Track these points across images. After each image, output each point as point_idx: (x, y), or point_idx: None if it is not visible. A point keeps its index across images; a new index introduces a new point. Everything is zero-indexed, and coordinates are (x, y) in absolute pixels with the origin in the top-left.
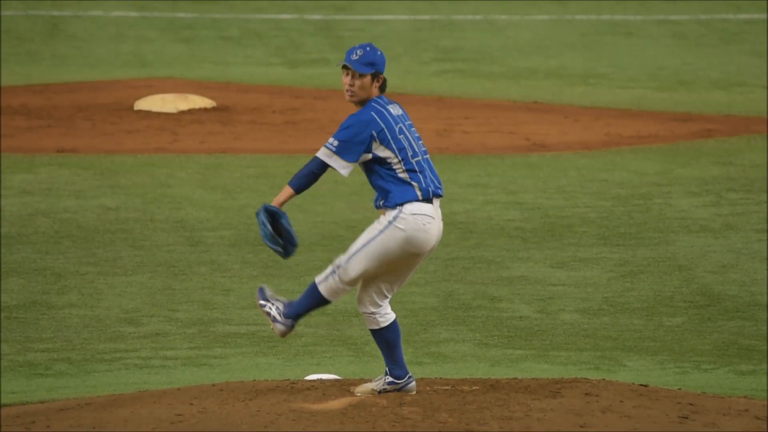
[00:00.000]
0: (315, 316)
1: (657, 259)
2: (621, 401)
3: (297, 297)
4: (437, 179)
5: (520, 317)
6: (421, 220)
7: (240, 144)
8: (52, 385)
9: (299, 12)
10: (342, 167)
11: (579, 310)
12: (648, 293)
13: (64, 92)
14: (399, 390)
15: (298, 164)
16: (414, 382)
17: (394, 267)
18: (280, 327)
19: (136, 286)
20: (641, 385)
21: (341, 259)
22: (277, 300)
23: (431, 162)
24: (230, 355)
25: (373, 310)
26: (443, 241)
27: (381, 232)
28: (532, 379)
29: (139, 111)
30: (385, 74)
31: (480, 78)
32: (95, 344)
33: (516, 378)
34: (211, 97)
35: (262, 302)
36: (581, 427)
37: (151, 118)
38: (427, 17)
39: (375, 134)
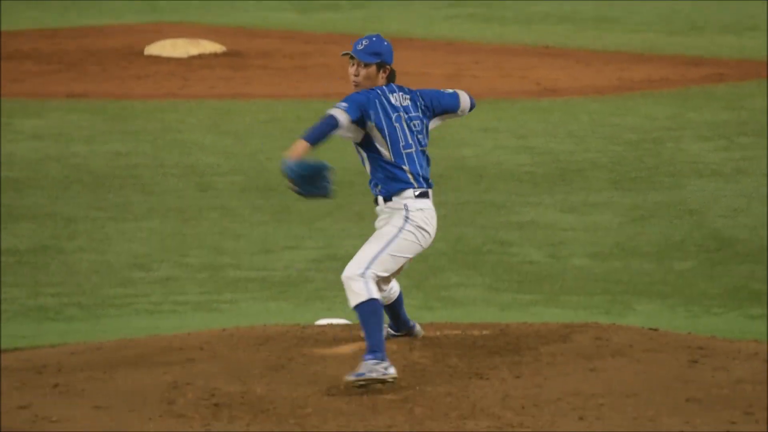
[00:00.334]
0: (325, 262)
1: (668, 203)
2: (631, 345)
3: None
4: (426, 174)
5: (531, 262)
6: (428, 214)
7: (250, 89)
8: (63, 330)
9: None
10: (340, 114)
11: (589, 255)
12: (659, 237)
13: (74, 37)
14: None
15: (309, 109)
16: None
17: (402, 261)
18: (385, 369)
19: (146, 232)
20: (651, 329)
21: (356, 268)
22: (368, 365)
23: (425, 157)
24: (240, 300)
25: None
26: (453, 186)
27: (397, 234)
28: (542, 323)
29: (149, 56)
30: (397, 20)
31: (491, 22)
32: (105, 289)
33: (526, 322)
34: (221, 42)
35: (361, 377)
36: (591, 371)
37: (161, 63)
38: None
39: (370, 114)
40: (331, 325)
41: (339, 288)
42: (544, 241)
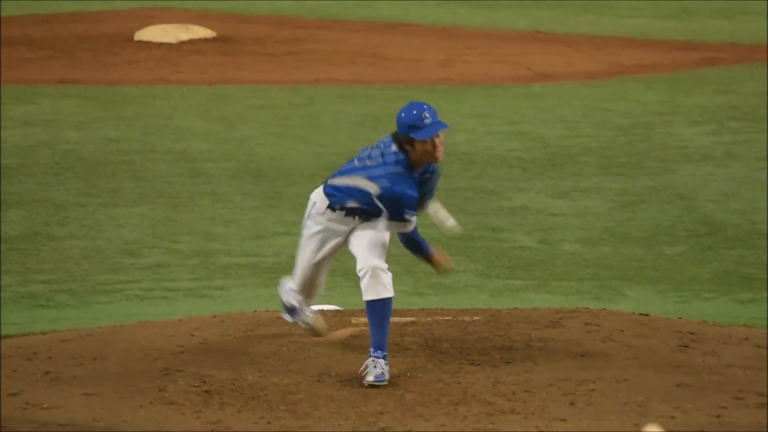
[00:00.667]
0: None
1: (658, 188)
2: (621, 330)
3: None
4: None
5: (521, 247)
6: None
7: (242, 75)
8: (54, 316)
9: None
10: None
11: (580, 240)
12: (649, 222)
13: (65, 22)
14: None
15: (300, 95)
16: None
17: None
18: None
19: (137, 218)
20: (642, 314)
21: (381, 261)
22: (382, 365)
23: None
24: (231, 286)
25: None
26: (445, 172)
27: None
28: (533, 309)
29: (140, 41)
30: (390, 5)
31: (483, 8)
32: (96, 275)
33: (517, 308)
34: (212, 28)
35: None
36: (582, 356)
37: (152, 49)
38: None
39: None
40: (322, 311)
41: (329, 275)
42: (535, 227)
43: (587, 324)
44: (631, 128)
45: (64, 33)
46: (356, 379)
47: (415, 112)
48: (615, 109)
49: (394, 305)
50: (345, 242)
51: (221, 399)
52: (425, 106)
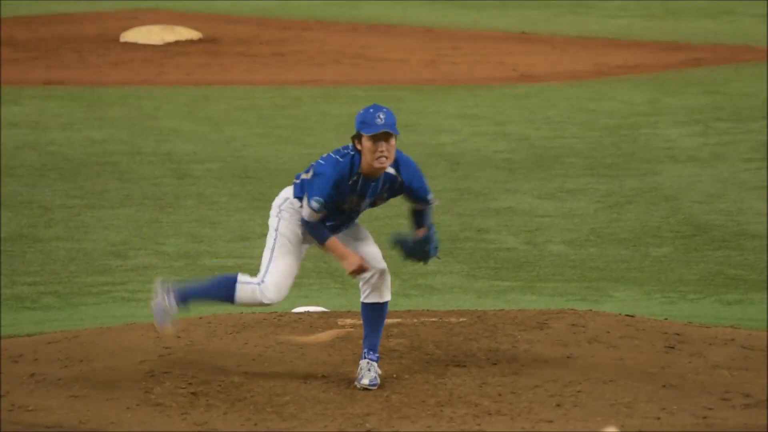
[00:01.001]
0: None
1: (644, 189)
2: (608, 332)
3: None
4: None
5: (507, 249)
6: None
7: (227, 76)
8: (40, 318)
9: None
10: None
11: (566, 242)
12: (635, 224)
13: (50, 24)
14: None
15: (285, 96)
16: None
17: None
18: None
19: (123, 219)
20: (628, 315)
21: (382, 261)
22: (376, 368)
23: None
24: None
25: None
26: (431, 173)
27: None
28: (519, 310)
29: (126, 43)
30: (375, 6)
31: (468, 8)
32: (82, 277)
33: (503, 309)
34: (197, 29)
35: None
36: (568, 357)
37: (137, 50)
38: None
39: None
40: (308, 313)
41: (316, 276)
42: (521, 228)
43: (573, 325)
44: (617, 129)
45: (49, 34)
46: (343, 381)
47: (372, 110)
48: (600, 110)
49: None
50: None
51: (208, 401)
52: (385, 110)
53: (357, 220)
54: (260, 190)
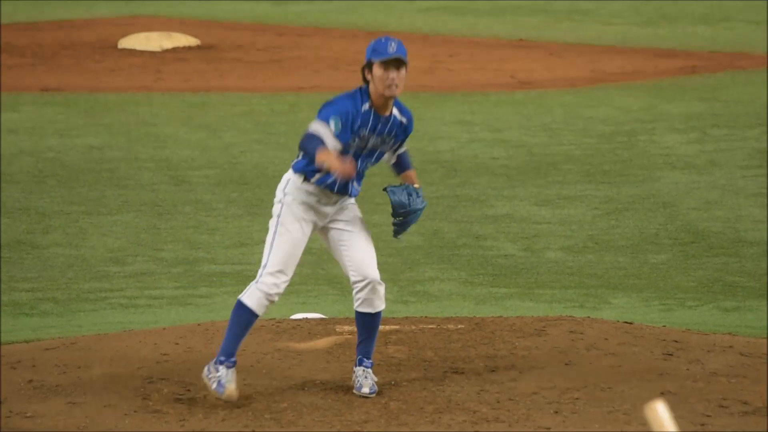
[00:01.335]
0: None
1: (641, 196)
2: (606, 339)
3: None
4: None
5: (505, 255)
6: None
7: (224, 82)
8: (38, 325)
9: None
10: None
11: (564, 248)
12: (633, 231)
13: (48, 30)
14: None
15: (283, 102)
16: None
17: None
18: (372, 384)
19: (120, 226)
20: (626, 322)
21: (368, 278)
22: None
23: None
24: (215, 294)
25: None
26: (428, 180)
27: None
28: (517, 317)
29: (123, 49)
30: (372, 12)
31: (465, 15)
32: (80, 284)
33: (501, 316)
34: (195, 36)
35: None
36: (566, 364)
37: (135, 56)
38: None
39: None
40: (306, 320)
41: (314, 282)
42: (519, 235)
43: (571, 332)
44: (614, 136)
45: (47, 40)
46: (341, 388)
47: (383, 40)
48: (597, 117)
49: None
50: (326, 239)
51: (205, 407)
52: (397, 41)
53: (360, 214)
54: (258, 196)
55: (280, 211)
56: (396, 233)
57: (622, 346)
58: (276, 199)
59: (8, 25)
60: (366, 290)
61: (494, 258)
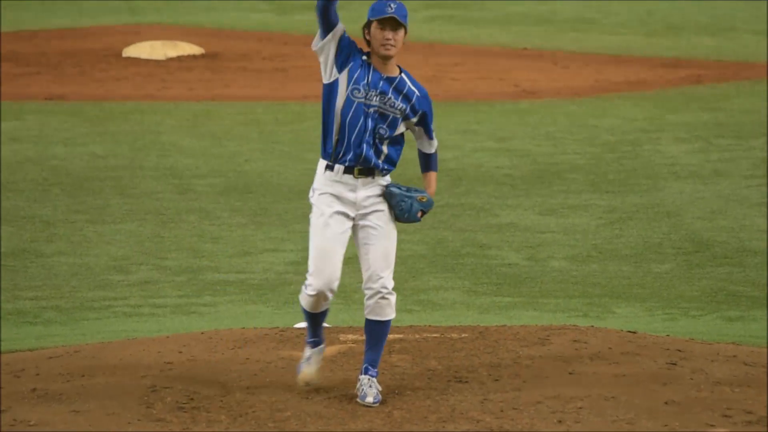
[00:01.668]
0: (303, 264)
1: (646, 205)
2: (609, 348)
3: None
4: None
5: (509, 264)
6: None
7: (229, 91)
8: (41, 333)
9: None
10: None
11: (568, 257)
12: (637, 240)
13: (53, 38)
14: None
15: (287, 111)
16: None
17: None
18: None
19: (124, 234)
20: (630, 331)
21: (379, 286)
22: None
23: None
24: (219, 303)
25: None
26: None
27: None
28: (521, 326)
29: (128, 58)
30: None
31: (469, 24)
32: (84, 292)
33: (505, 325)
34: (200, 44)
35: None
36: (570, 374)
37: (139, 65)
38: None
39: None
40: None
41: None
42: (523, 244)
43: (575, 341)
44: (618, 145)
45: (52, 49)
46: (345, 396)
47: (386, 1)
48: (601, 126)
49: None
50: (355, 238)
51: (209, 416)
52: (398, 3)
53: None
54: (262, 205)
55: (312, 209)
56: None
57: (625, 356)
58: (309, 198)
59: (13, 33)
60: (375, 298)
61: (498, 267)
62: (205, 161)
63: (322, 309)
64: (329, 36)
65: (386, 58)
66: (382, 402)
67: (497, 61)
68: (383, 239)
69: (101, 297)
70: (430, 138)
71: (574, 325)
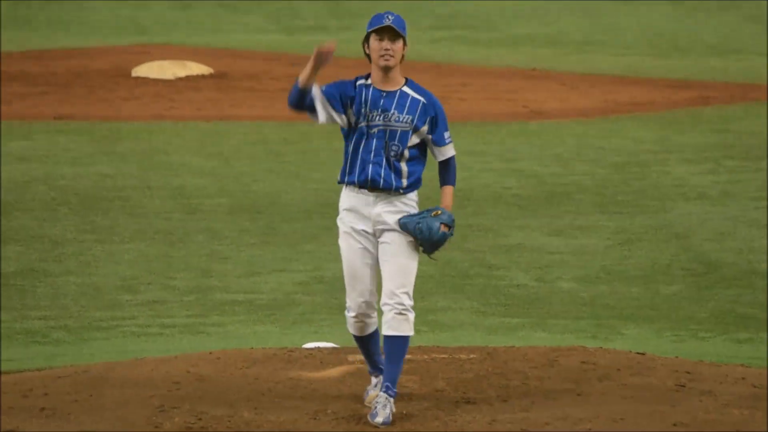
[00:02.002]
0: (312, 284)
1: (654, 226)
2: (618, 369)
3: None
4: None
5: (518, 285)
6: None
7: (237, 111)
8: (50, 353)
9: None
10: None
11: (576, 279)
12: (645, 261)
13: (61, 58)
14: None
15: (295, 131)
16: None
17: None
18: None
19: (133, 254)
20: (638, 353)
21: (395, 301)
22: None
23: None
24: (228, 322)
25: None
26: None
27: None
28: (530, 347)
29: (137, 77)
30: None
31: (478, 45)
32: (92, 312)
33: (513, 346)
34: (208, 64)
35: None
36: (578, 395)
37: (148, 85)
38: None
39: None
40: (318, 349)
41: (327, 311)
42: (532, 265)
43: (584, 362)
44: (626, 166)
45: (60, 69)
46: (352, 417)
47: (382, 13)
48: (609, 147)
49: None
50: (377, 253)
51: None
52: (395, 14)
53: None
54: (270, 225)
55: (339, 239)
56: (426, 253)
57: (634, 377)
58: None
59: (22, 53)
60: (391, 313)
61: (506, 288)
62: (214, 181)
63: (368, 332)
64: (319, 108)
65: (386, 69)
66: (392, 423)
67: (505, 82)
68: (400, 256)
69: (109, 317)
70: (442, 144)
71: (582, 347)
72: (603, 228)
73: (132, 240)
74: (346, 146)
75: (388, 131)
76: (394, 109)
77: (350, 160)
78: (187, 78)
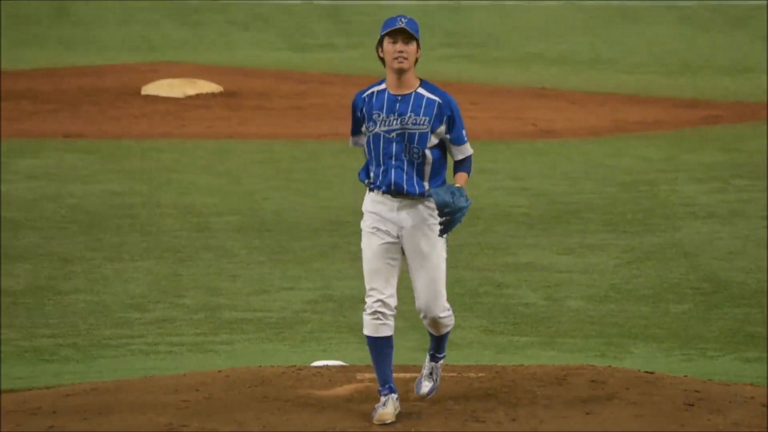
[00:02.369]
0: (321, 303)
1: (663, 245)
2: (627, 388)
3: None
4: None
5: (527, 304)
6: None
7: (246, 129)
8: (58, 371)
9: None
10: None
11: (585, 297)
12: (654, 280)
13: (70, 76)
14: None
15: (304, 149)
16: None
17: None
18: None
19: (142, 272)
20: (647, 372)
21: (437, 311)
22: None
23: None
24: (236, 341)
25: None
26: None
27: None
28: (539, 366)
29: (146, 96)
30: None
31: (486, 63)
32: (101, 330)
33: (522, 365)
34: (218, 82)
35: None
36: (587, 414)
37: (157, 103)
38: (434, 2)
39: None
40: (327, 367)
41: (335, 330)
42: (541, 283)
43: (593, 381)
44: (635, 185)
45: (69, 87)
46: None
47: (395, 16)
48: (618, 166)
49: (400, 360)
50: (405, 260)
51: None
52: (408, 17)
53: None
54: (279, 243)
55: (361, 239)
56: (442, 232)
57: (643, 396)
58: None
59: (31, 70)
60: (426, 321)
61: (515, 306)
62: (223, 199)
63: (383, 333)
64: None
65: (400, 72)
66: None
67: (514, 100)
68: (430, 270)
69: (118, 335)
70: (461, 142)
71: (591, 366)
72: (612, 246)
73: (141, 258)
74: (367, 151)
75: (406, 134)
76: (411, 111)
77: (373, 165)
78: (197, 96)
